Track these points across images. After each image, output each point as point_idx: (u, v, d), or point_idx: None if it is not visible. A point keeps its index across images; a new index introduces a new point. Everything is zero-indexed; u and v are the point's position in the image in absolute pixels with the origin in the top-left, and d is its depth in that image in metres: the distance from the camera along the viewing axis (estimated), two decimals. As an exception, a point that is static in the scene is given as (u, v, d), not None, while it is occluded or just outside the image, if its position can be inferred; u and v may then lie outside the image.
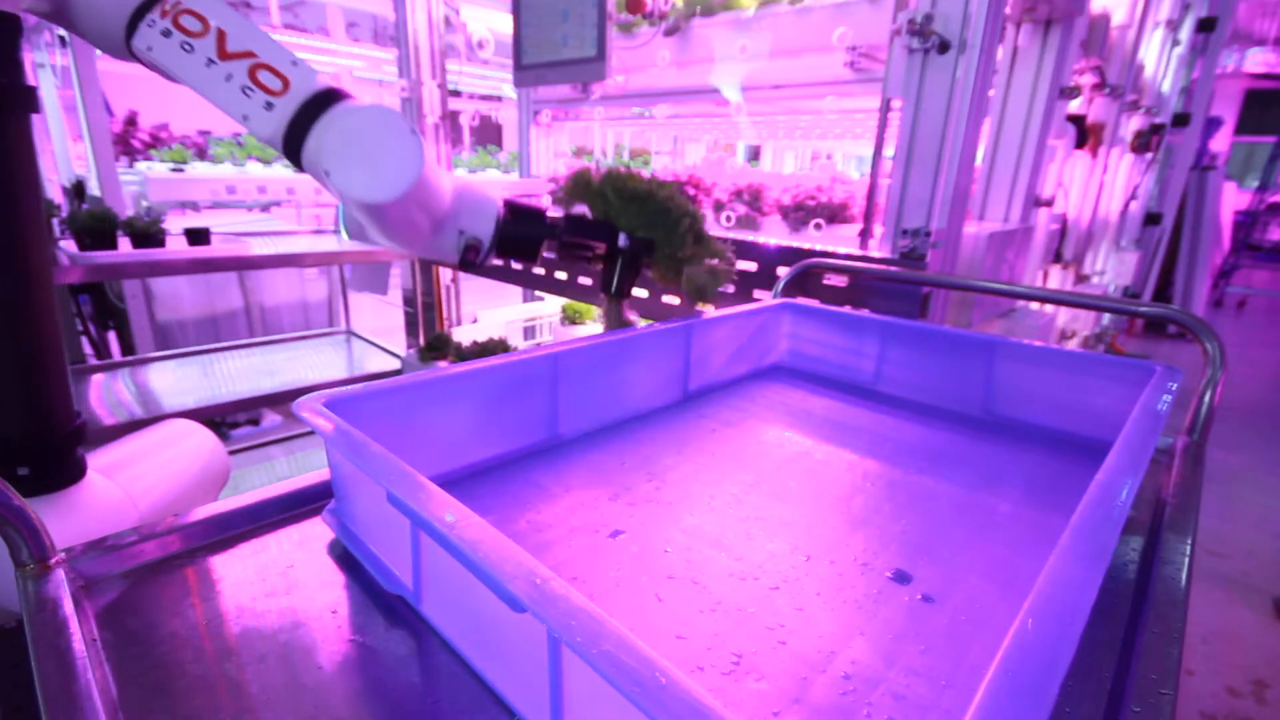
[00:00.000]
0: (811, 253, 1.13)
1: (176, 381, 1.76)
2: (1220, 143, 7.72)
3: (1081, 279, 2.82)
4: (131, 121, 3.78)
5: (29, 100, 0.67)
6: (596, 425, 0.73)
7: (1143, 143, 3.01)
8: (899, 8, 1.10)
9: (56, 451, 0.72)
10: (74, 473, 0.75)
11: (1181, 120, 3.70)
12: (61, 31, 2.14)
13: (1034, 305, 1.69)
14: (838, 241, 1.53)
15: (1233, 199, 6.26)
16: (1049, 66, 1.59)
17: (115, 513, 0.75)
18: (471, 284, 2.17)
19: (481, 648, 0.39)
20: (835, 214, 1.56)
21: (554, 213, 0.85)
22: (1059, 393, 0.74)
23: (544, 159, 2.48)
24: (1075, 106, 2.43)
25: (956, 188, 1.07)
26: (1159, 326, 4.92)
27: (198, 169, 3.65)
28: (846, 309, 0.97)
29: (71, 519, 0.71)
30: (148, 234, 1.59)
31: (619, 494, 0.60)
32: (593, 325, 2.31)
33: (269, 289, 2.58)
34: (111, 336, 2.42)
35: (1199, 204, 4.97)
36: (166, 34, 0.63)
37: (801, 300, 1.00)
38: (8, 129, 0.65)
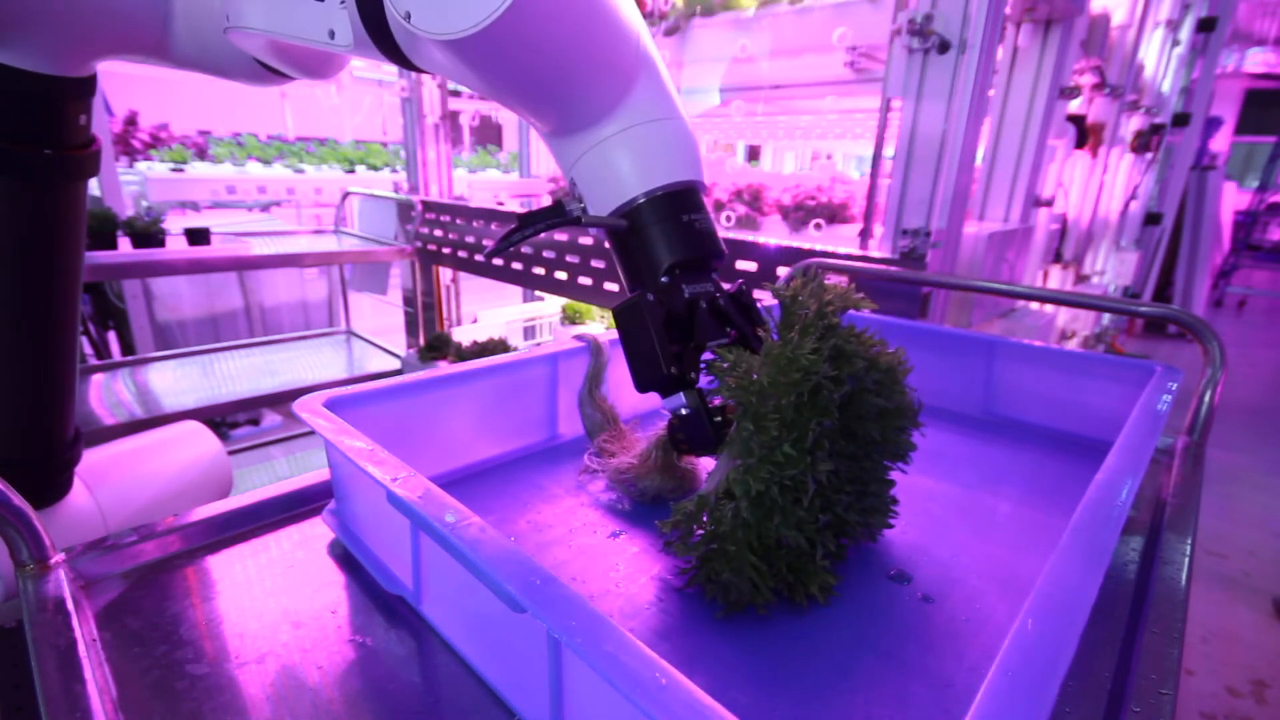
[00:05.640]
0: (811, 253, 1.13)
1: (176, 381, 1.76)
2: (1220, 143, 7.71)
3: (1081, 279, 2.82)
4: (131, 121, 3.79)
5: (86, 168, 0.58)
6: (596, 425, 0.73)
7: (1143, 143, 3.01)
8: (899, 8, 1.10)
9: (42, 478, 0.70)
10: (55, 494, 0.73)
11: (1181, 120, 3.70)
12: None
13: (1034, 305, 1.69)
14: (838, 241, 1.54)
15: (1233, 199, 6.25)
16: (1049, 66, 1.59)
17: (80, 527, 0.73)
18: (471, 284, 2.17)
19: (481, 648, 0.39)
20: (835, 214, 1.57)
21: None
22: (1059, 393, 0.74)
23: (544, 159, 2.49)
24: (1075, 106, 2.43)
25: (956, 188, 1.07)
26: (1159, 326, 4.92)
27: (198, 169, 3.66)
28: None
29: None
30: (148, 234, 1.59)
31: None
32: (593, 325, 2.30)
33: (269, 289, 2.58)
34: (111, 336, 2.42)
35: (1199, 204, 4.97)
36: None
37: (801, 300, 1.00)
38: (54, 199, 0.57)
